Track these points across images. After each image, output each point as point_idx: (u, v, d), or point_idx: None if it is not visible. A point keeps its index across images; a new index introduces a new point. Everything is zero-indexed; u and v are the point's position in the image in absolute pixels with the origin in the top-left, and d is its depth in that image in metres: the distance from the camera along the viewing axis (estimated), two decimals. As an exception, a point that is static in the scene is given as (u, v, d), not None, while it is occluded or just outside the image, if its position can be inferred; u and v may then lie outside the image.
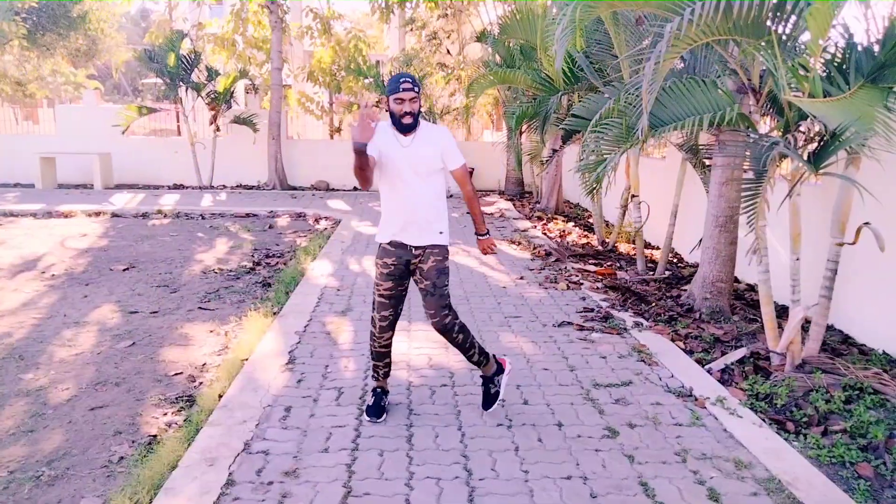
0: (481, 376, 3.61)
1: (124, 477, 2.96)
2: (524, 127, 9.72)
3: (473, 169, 14.60)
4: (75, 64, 26.53)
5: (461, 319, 3.41)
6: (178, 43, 13.54)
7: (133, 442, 3.30)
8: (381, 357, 3.51)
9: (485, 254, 3.64)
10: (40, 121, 19.65)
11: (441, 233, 3.35)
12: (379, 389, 3.58)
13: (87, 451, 3.21)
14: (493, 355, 3.59)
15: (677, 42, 3.68)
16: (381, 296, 3.35)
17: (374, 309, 3.40)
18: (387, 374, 3.60)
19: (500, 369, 3.59)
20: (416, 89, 3.18)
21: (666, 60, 3.76)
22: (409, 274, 3.38)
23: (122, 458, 3.15)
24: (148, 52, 13.69)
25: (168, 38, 13.70)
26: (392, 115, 3.22)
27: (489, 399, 3.56)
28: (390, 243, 3.34)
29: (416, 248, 3.32)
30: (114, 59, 25.75)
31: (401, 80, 3.15)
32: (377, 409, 3.48)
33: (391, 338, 3.47)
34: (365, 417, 3.47)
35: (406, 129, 3.22)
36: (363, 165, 3.03)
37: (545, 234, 9.45)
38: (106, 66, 31.72)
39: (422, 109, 3.28)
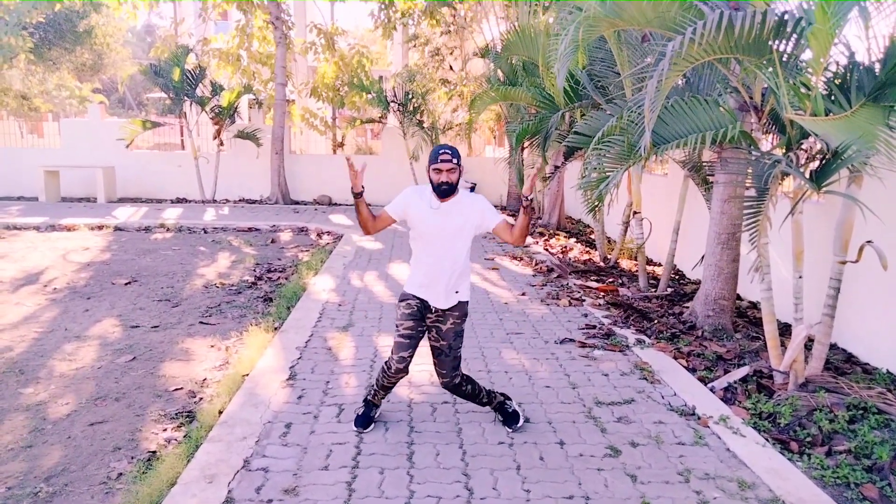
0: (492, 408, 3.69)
1: (123, 493, 2.94)
2: (526, 143, 9.74)
3: (475, 184, 14.62)
4: (81, 78, 26.75)
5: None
6: (183, 58, 13.64)
7: (132, 458, 3.28)
8: (387, 389, 3.56)
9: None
10: (45, 134, 19.77)
11: (458, 292, 3.42)
12: (372, 403, 3.62)
13: (86, 467, 3.19)
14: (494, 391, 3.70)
15: (680, 60, 3.70)
16: (401, 336, 3.40)
17: (392, 350, 3.43)
18: (384, 397, 3.64)
19: (507, 397, 3.71)
20: (456, 161, 3.26)
21: (668, 78, 3.78)
22: (426, 318, 3.47)
23: (120, 474, 3.13)
24: (153, 67, 13.79)
25: (173, 53, 13.81)
26: (431, 181, 3.32)
27: (512, 417, 3.62)
28: (414, 295, 3.43)
29: (436, 308, 3.41)
30: (119, 74, 25.96)
31: (440, 152, 3.26)
32: (366, 420, 3.56)
33: (403, 377, 3.48)
34: (353, 428, 3.52)
35: (443, 196, 3.31)
36: (359, 210, 3.37)
37: (547, 249, 9.44)
38: (111, 81, 31.96)
39: (459, 177, 3.35)
